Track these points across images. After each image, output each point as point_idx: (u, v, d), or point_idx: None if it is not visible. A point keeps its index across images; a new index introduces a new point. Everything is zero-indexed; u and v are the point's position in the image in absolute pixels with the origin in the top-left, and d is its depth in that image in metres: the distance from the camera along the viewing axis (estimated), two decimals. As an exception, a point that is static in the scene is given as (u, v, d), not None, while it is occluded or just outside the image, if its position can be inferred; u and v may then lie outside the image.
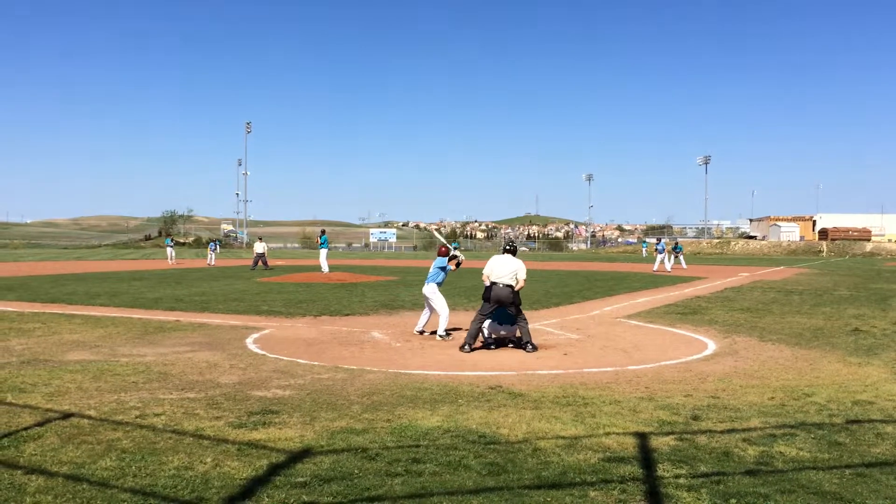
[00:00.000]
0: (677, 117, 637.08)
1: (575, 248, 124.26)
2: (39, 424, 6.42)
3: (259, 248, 38.81)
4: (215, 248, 47.86)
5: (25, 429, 6.27)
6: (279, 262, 47.59)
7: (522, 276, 10.97)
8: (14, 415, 6.78)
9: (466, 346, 10.81)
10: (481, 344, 11.15)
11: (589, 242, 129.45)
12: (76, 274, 32.25)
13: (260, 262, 37.61)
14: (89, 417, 6.71)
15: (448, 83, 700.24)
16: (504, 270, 10.92)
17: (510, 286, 10.84)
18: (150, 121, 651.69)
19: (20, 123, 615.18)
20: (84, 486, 4.89)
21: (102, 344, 11.28)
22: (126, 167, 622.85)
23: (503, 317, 11.03)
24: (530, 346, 10.77)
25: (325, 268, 30.94)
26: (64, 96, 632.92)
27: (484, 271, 11.06)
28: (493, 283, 10.89)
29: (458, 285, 23.42)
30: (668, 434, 6.27)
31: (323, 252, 31.65)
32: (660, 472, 5.25)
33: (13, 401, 7.34)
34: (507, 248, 11.58)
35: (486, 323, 11.04)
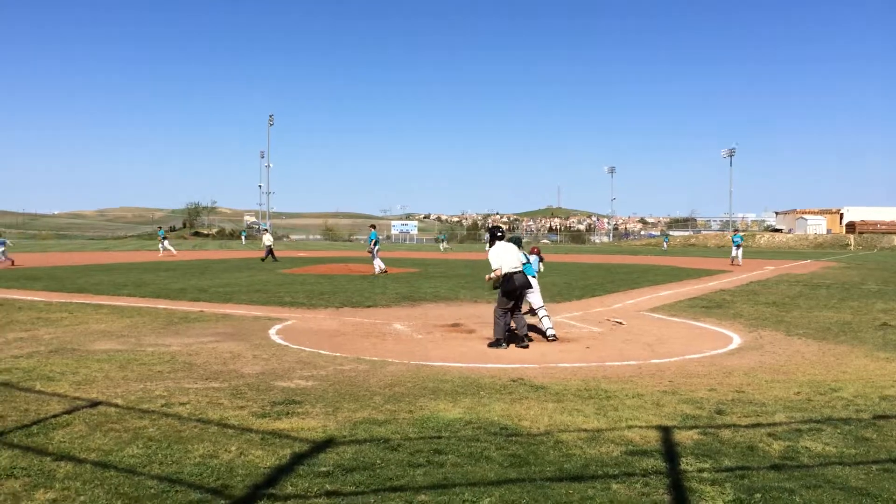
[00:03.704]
0: (702, 109, 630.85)
1: (597, 240, 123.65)
2: (68, 412, 6.53)
3: (267, 240, 39.04)
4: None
5: (54, 416, 6.38)
6: (301, 254, 47.83)
7: (523, 259, 10.94)
8: (43, 402, 6.89)
9: (503, 344, 10.42)
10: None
11: (611, 235, 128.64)
12: (102, 264, 32.66)
13: (269, 255, 37.62)
14: (116, 405, 6.80)
15: (469, 74, 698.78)
16: (514, 259, 10.66)
17: (521, 271, 10.69)
18: (175, 113, 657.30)
19: (47, 116, 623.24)
20: (111, 472, 4.97)
21: (128, 333, 11.42)
22: (151, 159, 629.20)
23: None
24: (526, 343, 10.50)
25: (380, 265, 27.14)
26: (89, 88, 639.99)
27: (494, 265, 10.61)
28: (510, 274, 10.56)
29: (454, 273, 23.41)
30: (691, 428, 6.24)
31: (375, 250, 27.64)
32: (683, 466, 5.22)
33: (42, 389, 7.46)
34: (500, 234, 11.01)
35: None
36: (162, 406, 6.80)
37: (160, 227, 56.58)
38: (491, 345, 10.52)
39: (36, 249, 54.30)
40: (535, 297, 11.81)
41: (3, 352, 9.64)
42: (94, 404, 6.84)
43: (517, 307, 10.72)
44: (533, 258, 14.06)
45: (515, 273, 10.57)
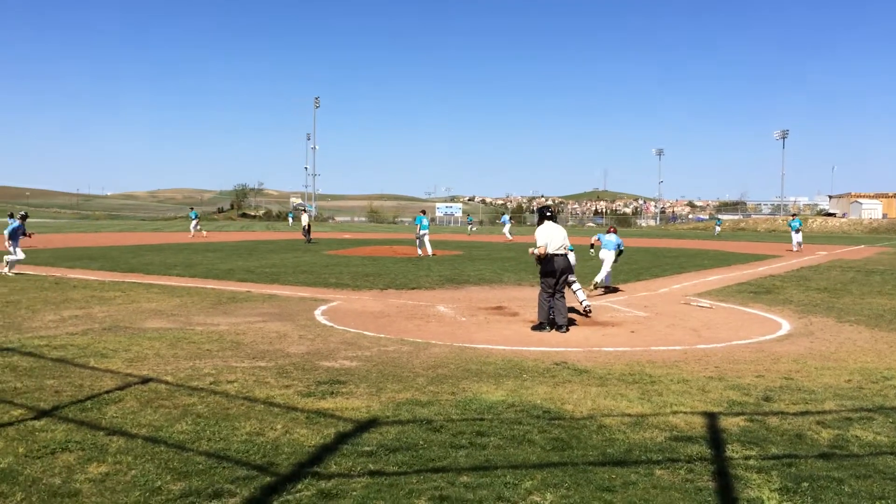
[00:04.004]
0: (753, 89, 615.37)
1: (643, 224, 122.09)
2: (120, 388, 6.72)
3: (305, 219, 39.37)
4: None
5: (107, 392, 6.57)
6: (346, 236, 48.21)
7: (567, 241, 10.84)
8: (97, 378, 7.11)
9: (546, 327, 10.37)
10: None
11: (658, 219, 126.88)
12: (153, 245, 33.40)
13: (305, 235, 37.81)
14: (166, 383, 6.98)
15: (514, 55, 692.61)
16: (559, 240, 10.56)
17: (564, 255, 10.59)
18: (223, 95, 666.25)
19: (100, 98, 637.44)
20: (161, 448, 5.11)
21: (178, 313, 11.68)
22: (201, 141, 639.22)
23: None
24: (565, 328, 10.36)
25: (430, 249, 27.16)
26: (140, 71, 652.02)
27: (539, 243, 10.53)
28: (553, 255, 10.46)
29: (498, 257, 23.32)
30: (738, 415, 6.15)
31: (423, 235, 27.22)
32: (729, 453, 5.15)
33: (96, 365, 7.69)
34: (549, 214, 10.94)
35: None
36: (210, 384, 6.95)
37: (192, 208, 56.89)
38: (534, 328, 10.51)
39: (90, 230, 55.74)
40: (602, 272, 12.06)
41: (59, 329, 9.95)
42: (146, 381, 7.03)
43: (562, 294, 10.61)
44: (612, 237, 15.77)
45: (557, 255, 10.50)
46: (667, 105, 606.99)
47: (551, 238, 10.54)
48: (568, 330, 10.36)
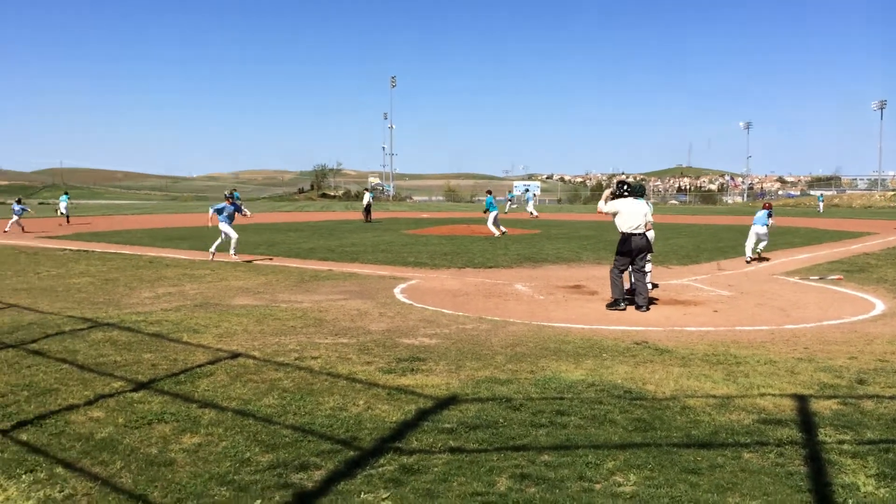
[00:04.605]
0: (848, 58, 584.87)
1: (730, 201, 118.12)
2: (211, 363, 6.99)
3: (366, 199, 39.47)
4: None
5: (199, 366, 6.85)
6: (424, 215, 48.49)
7: (650, 217, 10.53)
8: (189, 353, 7.42)
9: (622, 304, 10.19)
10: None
11: (746, 195, 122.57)
12: (237, 225, 34.26)
13: (366, 215, 37.87)
14: (254, 358, 7.22)
15: (593, 27, 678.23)
16: (638, 218, 10.22)
17: (642, 234, 10.27)
18: (302, 77, 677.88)
19: (185, 83, 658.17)
20: (250, 420, 5.30)
21: (264, 290, 12.04)
22: (280, 123, 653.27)
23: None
24: (644, 308, 10.13)
25: (496, 231, 26.81)
26: (222, 55, 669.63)
27: (612, 209, 10.36)
28: (630, 235, 10.20)
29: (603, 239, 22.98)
30: (829, 398, 5.92)
31: (492, 215, 27.27)
32: (821, 437, 4.98)
33: (188, 340, 8.02)
34: (626, 189, 10.58)
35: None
36: (295, 359, 7.15)
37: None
38: (609, 305, 10.36)
39: (180, 211, 57.90)
40: None
41: (154, 305, 10.41)
42: (235, 356, 7.29)
43: (641, 272, 10.37)
44: (762, 212, 17.53)
45: (634, 234, 10.22)
46: (755, 76, 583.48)
47: (628, 214, 10.25)
48: (648, 309, 10.17)
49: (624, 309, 10.14)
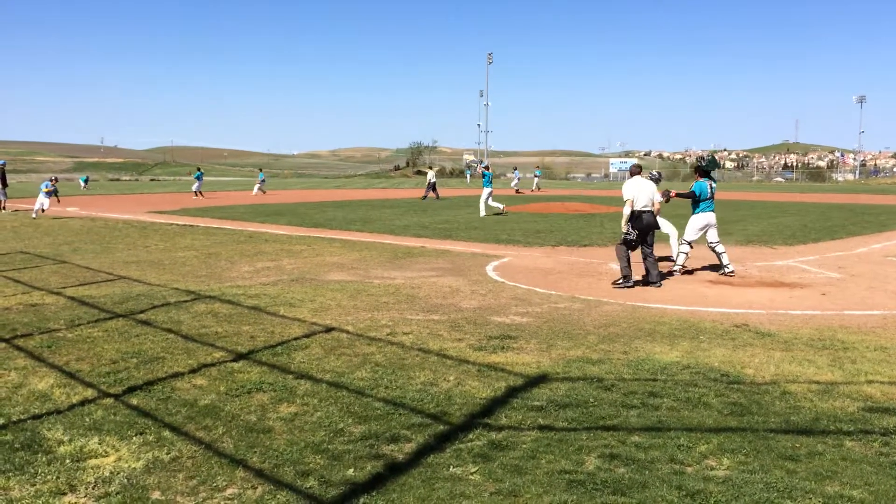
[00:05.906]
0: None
1: (840, 178, 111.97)
2: (306, 336, 7.21)
3: (430, 175, 38.98)
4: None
5: (295, 339, 7.08)
6: (525, 192, 48.26)
7: (658, 197, 10.70)
8: (286, 326, 7.67)
9: (631, 282, 10.21)
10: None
11: (857, 173, 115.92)
12: (335, 201, 35.20)
13: (431, 193, 36.59)
14: (347, 332, 7.39)
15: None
16: (647, 197, 10.46)
17: (651, 211, 10.48)
18: (399, 55, 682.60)
19: (288, 64, 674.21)
20: (343, 392, 5.44)
21: (358, 266, 12.29)
22: (378, 101, 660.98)
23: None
24: (658, 283, 10.34)
25: (498, 206, 26.11)
26: (323, 40, 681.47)
27: (626, 196, 10.42)
28: (640, 212, 10.39)
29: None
30: (946, 388, 5.57)
31: (486, 191, 25.87)
32: (934, 429, 4.69)
33: (285, 314, 8.29)
34: (637, 170, 10.93)
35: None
36: (387, 335, 7.28)
37: (260, 170, 50.41)
38: (618, 284, 10.29)
39: (280, 187, 59.61)
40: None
41: (253, 279, 10.80)
42: (329, 330, 7.48)
43: (649, 250, 10.51)
44: None
45: (644, 212, 10.42)
46: (869, 47, 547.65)
47: (637, 193, 10.42)
48: (661, 285, 10.31)
49: (632, 286, 10.17)
